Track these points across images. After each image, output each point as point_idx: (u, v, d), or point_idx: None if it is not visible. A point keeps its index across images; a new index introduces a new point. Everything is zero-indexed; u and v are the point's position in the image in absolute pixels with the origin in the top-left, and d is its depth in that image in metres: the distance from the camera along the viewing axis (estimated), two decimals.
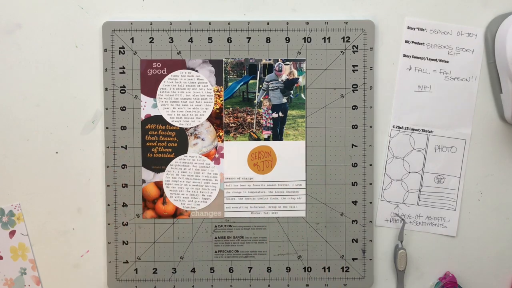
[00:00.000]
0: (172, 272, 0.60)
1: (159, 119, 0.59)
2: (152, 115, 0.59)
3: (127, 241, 0.59)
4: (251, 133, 0.59)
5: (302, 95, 0.59)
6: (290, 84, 0.59)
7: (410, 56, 0.59)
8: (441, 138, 0.60)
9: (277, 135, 0.59)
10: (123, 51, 0.58)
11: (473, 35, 0.59)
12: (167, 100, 0.58)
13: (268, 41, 0.59)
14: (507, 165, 0.60)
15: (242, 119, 0.59)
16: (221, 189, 0.59)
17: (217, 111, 0.59)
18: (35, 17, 0.58)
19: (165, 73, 0.58)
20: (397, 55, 0.59)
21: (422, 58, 0.59)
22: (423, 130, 0.60)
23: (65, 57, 0.59)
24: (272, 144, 0.59)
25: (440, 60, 0.59)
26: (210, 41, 0.59)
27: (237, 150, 0.59)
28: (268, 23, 0.58)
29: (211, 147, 0.59)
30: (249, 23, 0.59)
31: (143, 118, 0.59)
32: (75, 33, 0.59)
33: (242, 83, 0.59)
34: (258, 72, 0.59)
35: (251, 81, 0.59)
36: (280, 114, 0.59)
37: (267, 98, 0.59)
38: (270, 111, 0.59)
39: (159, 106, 0.58)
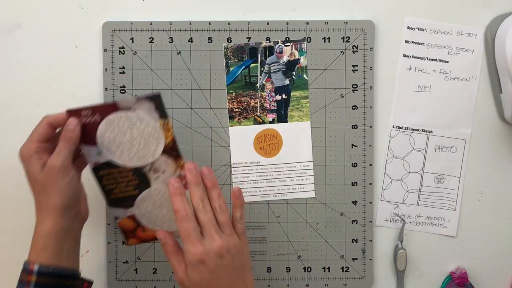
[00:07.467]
0: (172, 272, 0.60)
1: (109, 164, 0.51)
2: (101, 161, 0.51)
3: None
4: (256, 117, 0.59)
5: (305, 76, 0.59)
6: (291, 65, 0.59)
7: (410, 56, 0.59)
8: (441, 138, 0.60)
9: (282, 117, 0.59)
10: (123, 51, 0.58)
11: (473, 35, 0.59)
12: (112, 145, 0.50)
13: (268, 41, 0.59)
14: (507, 165, 0.60)
15: (245, 103, 0.59)
16: None
17: (170, 144, 0.51)
18: (35, 17, 0.58)
19: (99, 119, 0.50)
20: (397, 55, 0.59)
21: (422, 58, 0.59)
22: (423, 130, 0.60)
23: (65, 57, 0.59)
24: (277, 126, 0.59)
25: (440, 60, 0.59)
26: (210, 41, 0.59)
27: (243, 135, 0.59)
28: (268, 23, 0.58)
29: (175, 176, 0.52)
30: (249, 23, 0.58)
31: (92, 168, 0.51)
32: (75, 33, 0.59)
33: (243, 67, 0.59)
34: (259, 55, 0.59)
35: (252, 65, 0.59)
36: (284, 96, 0.59)
37: (270, 80, 0.59)
38: (273, 94, 0.59)
39: (104, 152, 0.51)
